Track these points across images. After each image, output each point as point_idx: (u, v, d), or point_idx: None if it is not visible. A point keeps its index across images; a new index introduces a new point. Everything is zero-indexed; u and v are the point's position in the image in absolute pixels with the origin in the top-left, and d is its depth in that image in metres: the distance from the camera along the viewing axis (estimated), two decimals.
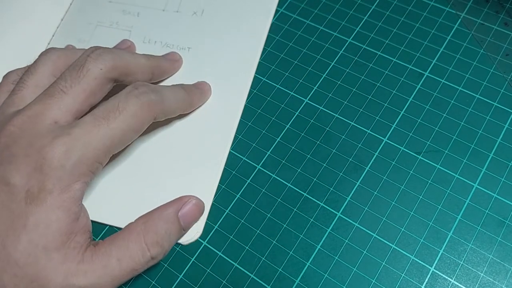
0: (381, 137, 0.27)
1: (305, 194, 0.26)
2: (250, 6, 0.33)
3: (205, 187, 0.26)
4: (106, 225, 0.26)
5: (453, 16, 0.31)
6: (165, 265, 0.25)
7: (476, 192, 0.25)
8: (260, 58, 0.31)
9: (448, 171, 0.26)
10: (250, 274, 0.24)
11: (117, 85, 0.26)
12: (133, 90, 0.24)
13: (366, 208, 0.25)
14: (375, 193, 0.26)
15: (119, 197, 0.26)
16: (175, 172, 0.27)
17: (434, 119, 0.27)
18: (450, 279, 0.23)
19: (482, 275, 0.23)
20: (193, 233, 0.25)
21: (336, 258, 0.24)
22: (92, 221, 0.24)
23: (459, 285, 0.23)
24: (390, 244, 0.24)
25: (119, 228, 0.25)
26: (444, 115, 0.28)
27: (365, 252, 0.24)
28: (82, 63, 0.24)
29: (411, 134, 0.27)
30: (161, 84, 0.30)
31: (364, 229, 0.25)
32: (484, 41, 0.30)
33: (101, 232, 0.26)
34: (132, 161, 0.27)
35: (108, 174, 0.27)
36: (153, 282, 0.24)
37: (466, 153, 0.26)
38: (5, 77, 0.27)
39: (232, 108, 0.29)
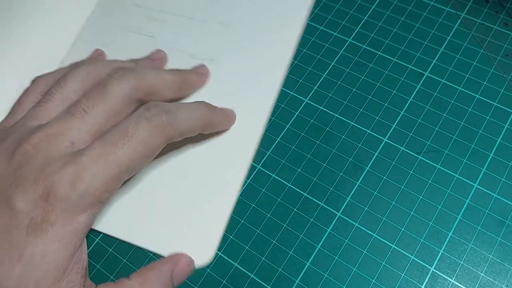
0: (381, 137, 0.27)
1: (305, 194, 0.26)
2: (278, 20, 0.31)
3: (217, 209, 0.26)
4: (116, 238, 0.26)
5: (453, 16, 0.31)
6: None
7: (476, 192, 0.25)
8: None
9: (448, 171, 0.26)
10: (250, 274, 0.24)
11: None
12: (145, 112, 0.23)
13: (366, 208, 0.25)
14: (375, 193, 0.26)
15: (128, 210, 0.26)
16: (187, 191, 0.26)
17: (434, 119, 0.27)
18: (450, 279, 0.23)
19: (482, 275, 0.23)
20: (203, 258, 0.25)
21: (336, 258, 0.24)
22: (103, 233, 0.24)
23: (459, 285, 0.23)
24: (390, 244, 0.24)
25: (125, 242, 0.25)
26: (444, 115, 0.28)
27: (365, 252, 0.24)
28: (105, 83, 0.23)
29: (411, 134, 0.27)
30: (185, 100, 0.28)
31: (364, 229, 0.25)
32: (484, 41, 0.30)
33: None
34: (146, 175, 0.27)
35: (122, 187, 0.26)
36: None
37: (466, 153, 0.26)
38: (33, 82, 0.26)
39: (251, 130, 0.27)
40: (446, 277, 0.23)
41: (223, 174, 0.26)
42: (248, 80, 0.29)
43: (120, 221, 0.25)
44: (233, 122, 0.27)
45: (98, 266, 0.25)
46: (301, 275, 0.24)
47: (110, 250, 0.25)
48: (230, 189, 0.26)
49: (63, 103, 0.24)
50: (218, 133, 0.27)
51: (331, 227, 0.25)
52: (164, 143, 0.24)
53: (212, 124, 0.26)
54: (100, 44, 0.32)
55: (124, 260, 0.25)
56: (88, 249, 0.22)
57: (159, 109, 0.23)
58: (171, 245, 0.24)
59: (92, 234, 0.26)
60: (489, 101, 0.28)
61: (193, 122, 0.25)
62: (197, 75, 0.28)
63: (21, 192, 0.20)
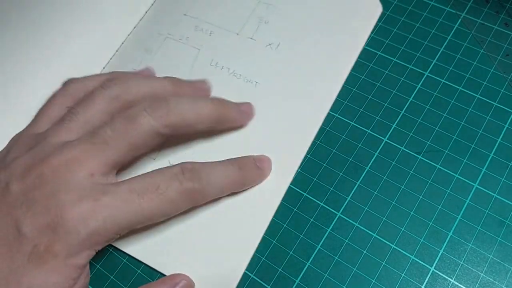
0: (381, 137, 0.27)
1: (305, 194, 0.26)
2: (333, 47, 0.29)
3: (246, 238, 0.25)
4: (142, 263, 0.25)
5: (453, 16, 0.31)
6: None
7: (476, 192, 0.25)
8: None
9: (448, 171, 0.26)
10: (250, 274, 0.24)
11: None
12: (179, 174, 0.22)
13: (366, 208, 0.25)
14: (375, 193, 0.26)
15: (155, 238, 0.25)
16: (218, 221, 0.25)
17: (434, 119, 0.27)
18: (450, 279, 0.23)
19: (482, 275, 0.23)
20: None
21: (336, 258, 0.24)
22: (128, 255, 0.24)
23: (459, 285, 0.23)
24: (390, 244, 0.24)
25: (151, 268, 0.25)
26: (444, 115, 0.28)
27: (365, 252, 0.24)
28: (135, 115, 0.22)
29: (411, 134, 0.27)
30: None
31: (364, 229, 0.25)
32: (484, 41, 0.30)
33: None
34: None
35: None
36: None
37: (466, 153, 0.26)
38: (64, 86, 0.26)
39: (286, 170, 0.26)
40: (446, 277, 0.23)
41: (252, 214, 0.25)
42: (292, 112, 0.27)
43: (148, 248, 0.25)
44: (268, 174, 0.26)
45: (98, 266, 0.25)
46: (301, 275, 0.24)
47: (110, 250, 0.25)
48: (255, 233, 0.25)
49: (86, 125, 0.23)
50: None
51: (331, 227, 0.25)
52: (189, 207, 0.23)
53: (245, 184, 0.25)
54: (143, 50, 0.31)
55: (124, 260, 0.25)
56: None
57: (194, 175, 0.22)
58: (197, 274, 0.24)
59: None
60: (489, 101, 0.28)
61: (223, 187, 0.24)
62: (239, 113, 0.26)
63: (30, 217, 0.20)
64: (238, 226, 0.25)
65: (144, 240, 0.25)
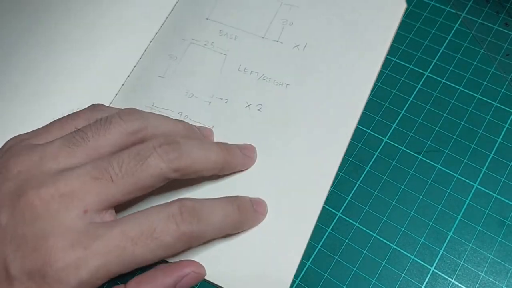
0: (381, 137, 0.27)
1: None
2: (360, 44, 0.29)
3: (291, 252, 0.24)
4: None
5: (454, 16, 0.31)
6: None
7: (477, 192, 0.25)
8: None
9: (448, 171, 0.26)
10: None
11: None
12: (177, 215, 0.20)
13: (366, 208, 0.25)
14: (375, 193, 0.26)
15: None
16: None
17: (435, 119, 0.27)
18: (451, 279, 0.23)
19: (482, 275, 0.23)
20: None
21: (336, 258, 0.24)
22: None
23: (459, 285, 0.23)
24: (390, 244, 0.24)
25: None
26: (445, 115, 0.28)
27: (365, 252, 0.24)
28: (145, 155, 0.21)
29: (411, 134, 0.27)
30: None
31: (364, 229, 0.25)
32: (484, 41, 0.30)
33: None
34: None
35: None
36: None
37: (466, 153, 0.26)
38: (92, 108, 0.24)
39: (323, 178, 0.26)
40: (446, 277, 0.23)
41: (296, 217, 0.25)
42: (323, 114, 0.27)
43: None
44: (263, 218, 0.25)
45: None
46: (301, 275, 0.24)
47: None
48: (303, 233, 0.24)
49: (92, 153, 0.21)
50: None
51: (331, 227, 0.25)
52: (185, 249, 0.22)
53: (242, 226, 0.24)
54: (167, 57, 0.30)
55: None
56: None
57: (192, 216, 0.21)
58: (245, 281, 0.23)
59: None
60: (489, 101, 0.28)
61: (221, 231, 0.23)
62: (243, 158, 0.26)
63: (19, 259, 0.19)
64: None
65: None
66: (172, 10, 0.32)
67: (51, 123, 0.23)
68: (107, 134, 0.22)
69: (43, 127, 0.23)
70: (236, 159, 0.25)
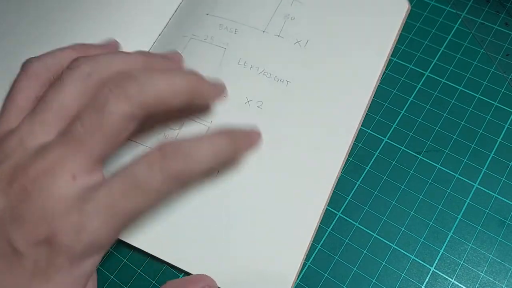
0: (381, 137, 0.27)
1: None
2: (363, 41, 0.29)
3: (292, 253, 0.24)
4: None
5: (454, 16, 0.31)
6: (164, 266, 0.25)
7: (477, 192, 0.25)
8: None
9: (448, 171, 0.26)
10: None
11: None
12: (160, 159, 0.20)
13: (366, 208, 0.25)
14: (375, 192, 0.26)
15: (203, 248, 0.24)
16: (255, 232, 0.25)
17: (435, 119, 0.27)
18: (451, 279, 0.23)
19: (483, 275, 0.23)
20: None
21: (336, 258, 0.24)
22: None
23: (460, 285, 0.23)
24: (390, 244, 0.24)
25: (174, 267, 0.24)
26: (445, 114, 0.28)
27: (365, 252, 0.24)
28: (102, 102, 0.20)
29: (411, 133, 0.27)
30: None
31: (364, 229, 0.25)
32: (484, 40, 0.30)
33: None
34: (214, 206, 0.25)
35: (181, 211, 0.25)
36: (153, 282, 0.24)
37: (466, 153, 0.26)
38: (24, 67, 0.23)
39: (327, 172, 0.26)
40: (446, 277, 0.23)
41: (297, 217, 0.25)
42: (328, 112, 0.27)
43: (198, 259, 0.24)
44: (255, 146, 0.24)
45: (98, 266, 0.25)
46: (301, 275, 0.24)
47: (110, 250, 0.25)
48: (305, 233, 0.24)
49: (61, 111, 0.21)
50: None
51: (331, 227, 0.25)
52: (178, 191, 0.21)
53: (230, 156, 0.23)
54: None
55: (124, 260, 0.25)
56: None
57: (176, 154, 0.20)
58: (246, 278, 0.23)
59: None
60: (489, 100, 0.28)
61: (208, 164, 0.21)
62: (212, 86, 0.24)
63: (23, 234, 0.19)
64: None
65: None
66: (176, 10, 0.33)
67: (6, 105, 0.23)
68: (64, 88, 0.21)
69: (1, 111, 0.23)
70: (205, 84, 0.24)
